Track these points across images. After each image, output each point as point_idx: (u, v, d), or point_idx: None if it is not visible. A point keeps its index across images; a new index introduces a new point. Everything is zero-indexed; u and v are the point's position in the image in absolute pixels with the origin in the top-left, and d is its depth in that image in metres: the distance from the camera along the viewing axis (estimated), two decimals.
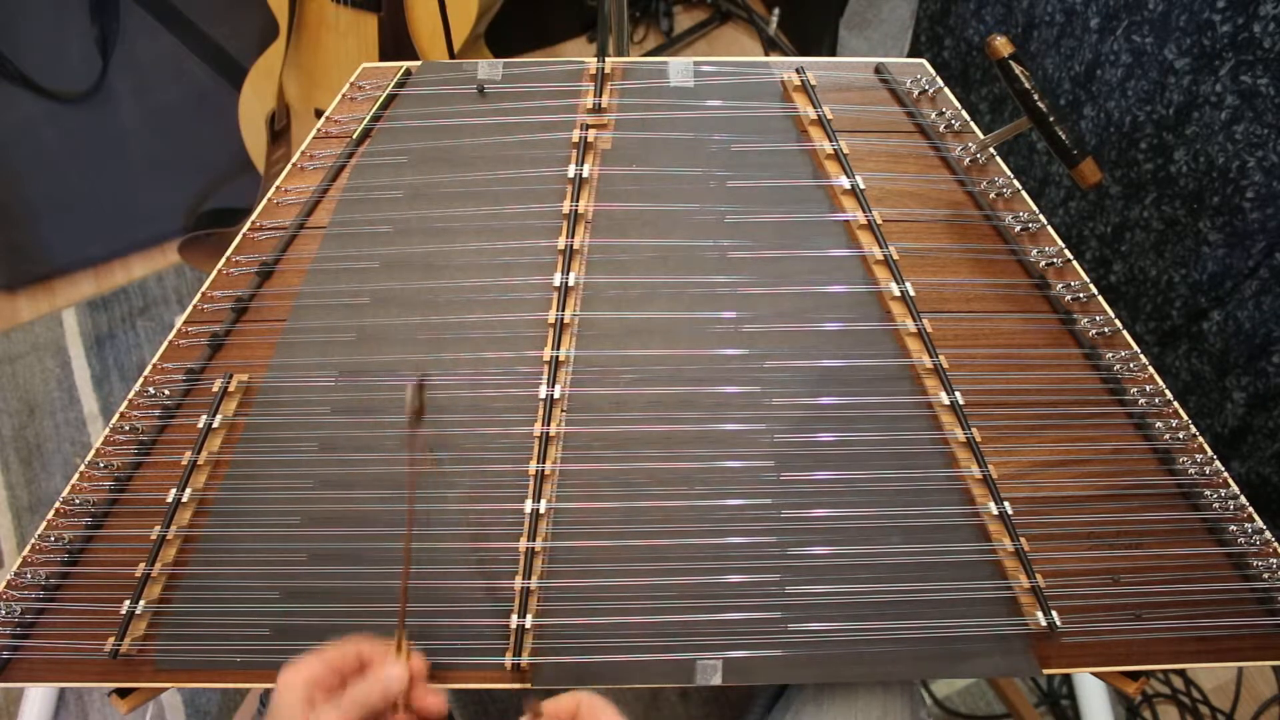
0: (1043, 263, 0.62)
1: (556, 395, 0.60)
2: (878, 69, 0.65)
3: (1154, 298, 1.06)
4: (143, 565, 0.58)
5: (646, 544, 0.58)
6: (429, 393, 0.44)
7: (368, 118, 0.65)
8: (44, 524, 0.59)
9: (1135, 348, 0.61)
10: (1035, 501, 0.59)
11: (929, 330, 0.60)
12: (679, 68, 0.66)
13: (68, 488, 0.60)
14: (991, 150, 0.63)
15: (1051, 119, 0.56)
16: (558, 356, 0.60)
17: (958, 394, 0.59)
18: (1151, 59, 0.94)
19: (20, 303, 1.56)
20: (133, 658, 0.57)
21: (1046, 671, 0.57)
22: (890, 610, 0.57)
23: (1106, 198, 1.08)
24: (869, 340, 0.61)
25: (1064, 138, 0.56)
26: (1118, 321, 0.61)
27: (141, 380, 0.61)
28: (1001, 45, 0.57)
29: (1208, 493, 0.59)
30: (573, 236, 0.62)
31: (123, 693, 0.59)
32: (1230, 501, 0.59)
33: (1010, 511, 0.58)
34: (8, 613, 0.58)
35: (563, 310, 0.61)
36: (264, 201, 0.64)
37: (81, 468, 0.60)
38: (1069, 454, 0.60)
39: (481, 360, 0.61)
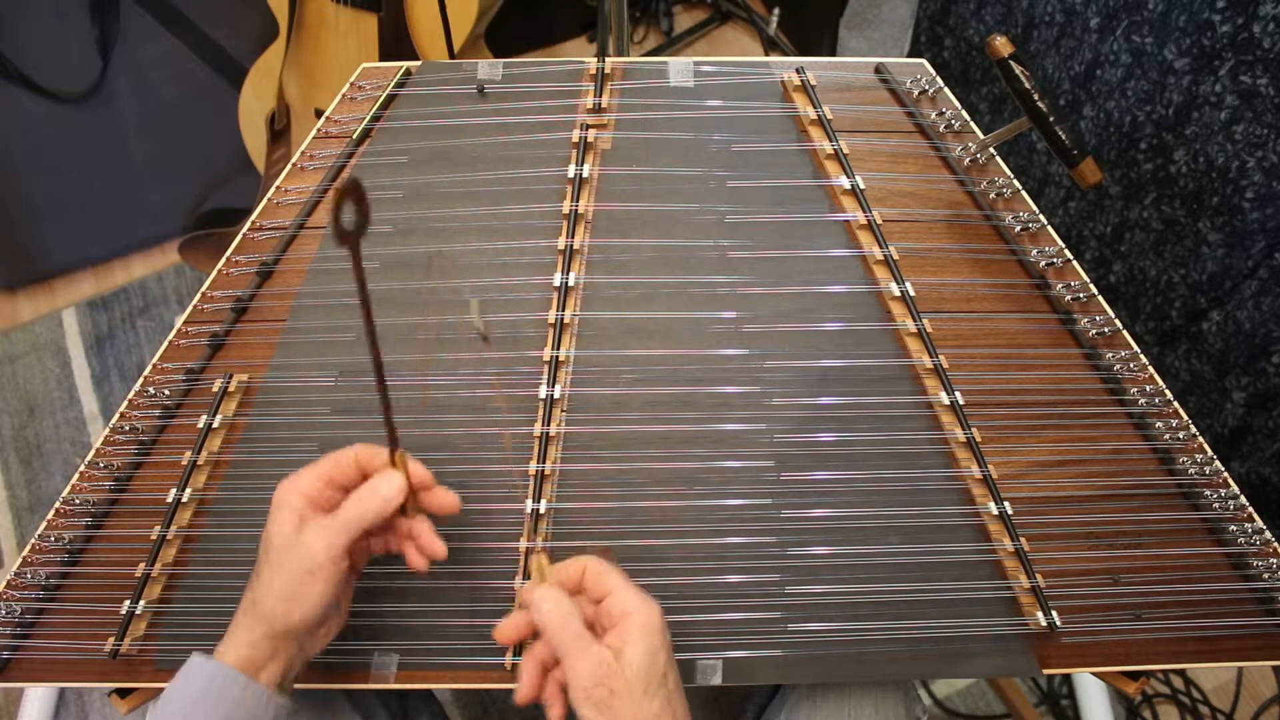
0: (1043, 263, 0.62)
1: (556, 395, 0.60)
2: (878, 69, 0.65)
3: (1154, 298, 1.06)
4: (143, 565, 0.58)
5: (646, 544, 0.58)
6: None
7: (368, 118, 0.65)
8: (44, 524, 0.59)
9: (1135, 348, 0.61)
10: (1035, 501, 0.59)
11: (929, 330, 0.60)
12: (679, 68, 0.66)
13: (68, 488, 0.60)
14: (991, 150, 0.63)
15: (1051, 119, 0.56)
16: (558, 356, 0.60)
17: (958, 394, 0.59)
18: (1151, 59, 0.94)
19: (20, 303, 1.56)
20: (133, 658, 0.57)
21: (1046, 671, 0.57)
22: (890, 610, 0.57)
23: (1106, 198, 1.08)
24: (869, 340, 0.61)
25: (1064, 138, 0.56)
26: (1118, 321, 0.61)
27: (141, 380, 0.61)
28: (1001, 45, 0.57)
29: (1208, 493, 0.59)
30: (573, 236, 0.62)
31: (123, 693, 0.59)
32: (1230, 501, 0.59)
33: (1010, 511, 0.58)
34: (8, 613, 0.58)
35: (563, 310, 0.61)
36: (264, 201, 0.64)
37: (81, 468, 0.60)
38: (1069, 454, 0.60)
39: (481, 360, 0.61)
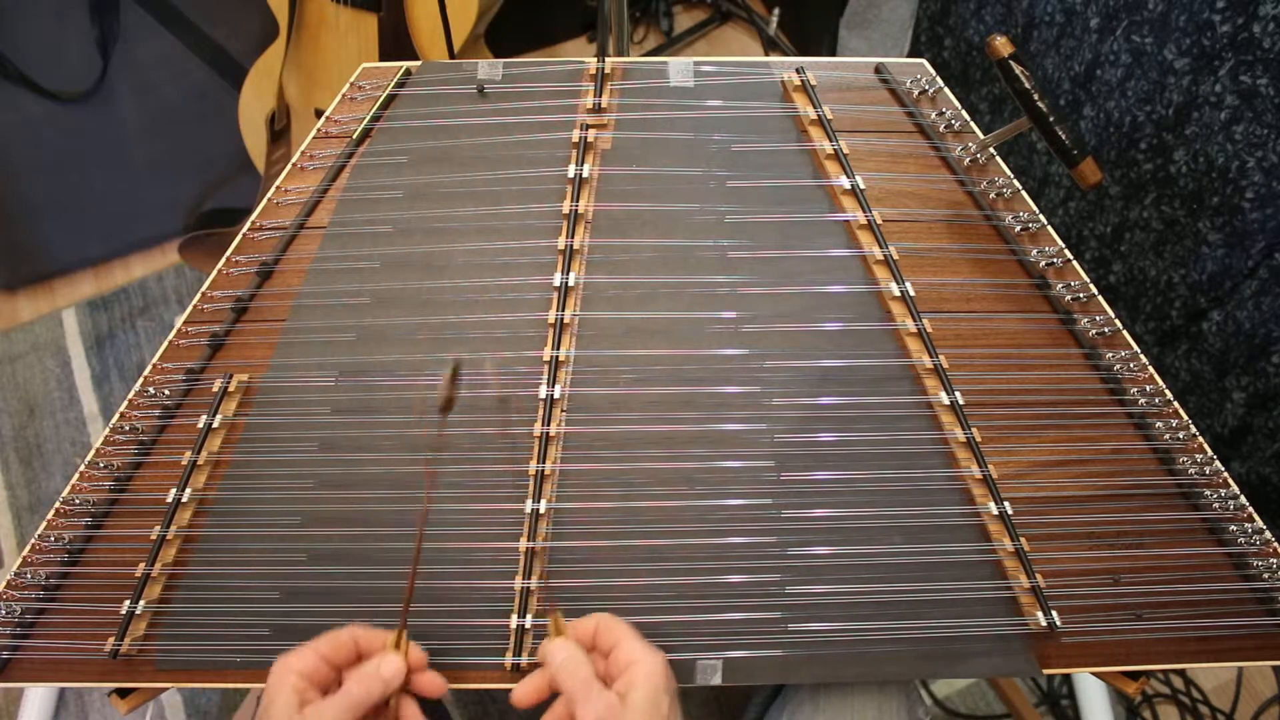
0: (1043, 263, 0.62)
1: (556, 395, 0.60)
2: (878, 69, 0.65)
3: (1154, 298, 1.06)
4: (143, 565, 0.58)
5: (646, 544, 0.58)
6: (460, 382, 0.42)
7: (368, 118, 0.65)
8: (44, 524, 0.59)
9: (1135, 348, 0.61)
10: (1035, 501, 0.59)
11: (929, 330, 0.60)
12: (679, 68, 0.66)
13: (68, 488, 0.60)
14: (991, 150, 0.63)
15: (1051, 119, 0.56)
16: (558, 356, 0.60)
17: (958, 394, 0.59)
18: (1151, 59, 0.94)
19: (20, 303, 1.56)
20: (133, 658, 0.57)
21: (1046, 671, 0.57)
22: (890, 610, 0.57)
23: (1106, 198, 1.08)
24: (869, 340, 0.61)
25: (1064, 138, 0.56)
26: (1118, 321, 0.61)
27: (141, 380, 0.61)
28: (1001, 45, 0.57)
29: (1208, 493, 0.59)
30: (573, 236, 0.62)
31: (123, 693, 0.59)
32: (1230, 501, 0.59)
33: (1010, 511, 0.58)
34: (8, 613, 0.58)
35: (563, 310, 0.61)
36: (264, 201, 0.64)
37: (81, 468, 0.60)
38: (1069, 454, 0.60)
39: (482, 360, 0.61)
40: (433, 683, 0.52)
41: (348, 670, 0.50)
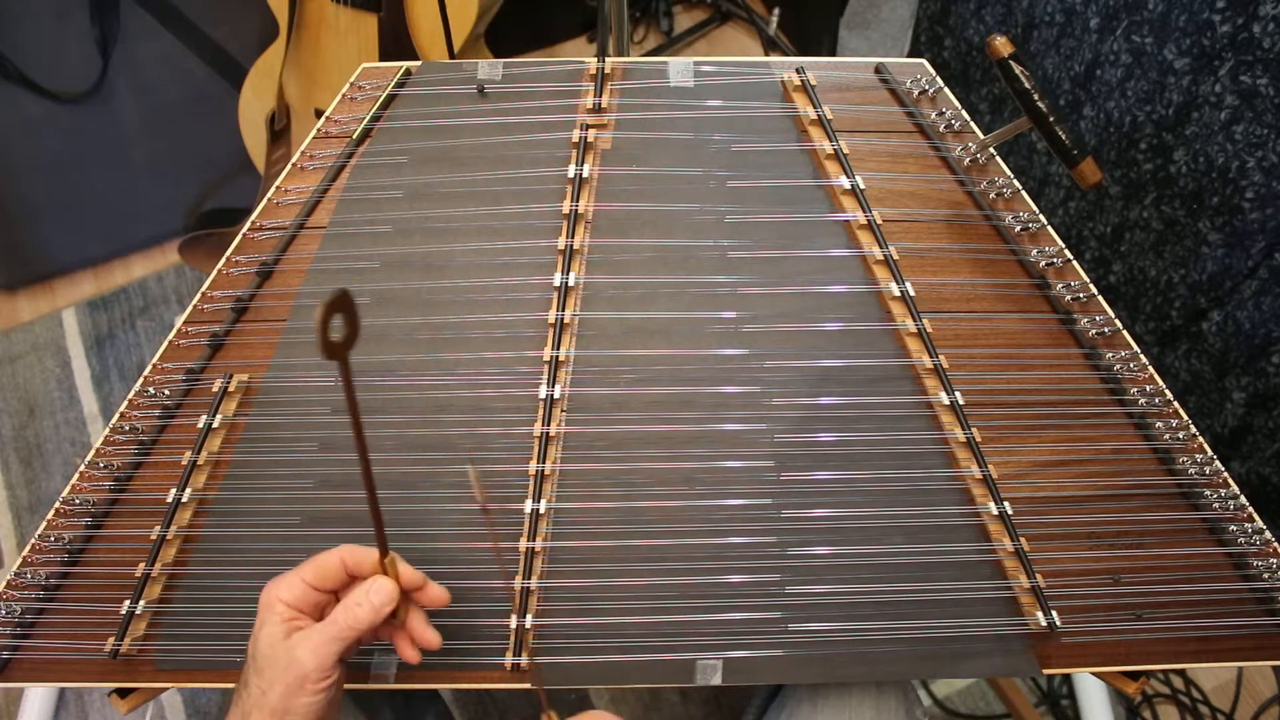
0: (1043, 263, 0.62)
1: (556, 395, 0.60)
2: (878, 69, 0.65)
3: (1154, 298, 1.06)
4: (143, 565, 0.58)
5: (646, 544, 0.58)
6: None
7: (368, 118, 0.65)
8: (44, 524, 0.59)
9: (1135, 348, 0.61)
10: (1035, 501, 0.59)
11: (929, 330, 0.60)
12: (679, 68, 0.66)
13: (68, 488, 0.60)
14: (991, 150, 0.63)
15: (1051, 119, 0.56)
16: (558, 356, 0.60)
17: (958, 394, 0.59)
18: (1151, 59, 0.94)
19: (20, 303, 1.56)
20: (133, 658, 0.57)
21: (1046, 671, 0.57)
22: (890, 610, 0.57)
23: (1106, 198, 1.08)
24: (869, 340, 0.61)
25: (1064, 138, 0.56)
26: (1118, 321, 0.61)
27: (141, 380, 0.61)
28: (1001, 45, 0.57)
29: (1208, 493, 0.59)
30: (573, 236, 0.62)
31: (123, 693, 0.59)
32: (1230, 501, 0.59)
33: (1010, 511, 0.58)
34: (8, 613, 0.58)
35: (563, 310, 0.61)
36: (264, 201, 0.64)
37: (81, 468, 0.60)
38: (1069, 454, 0.60)
39: (481, 360, 0.61)
40: (436, 596, 0.50)
41: (343, 591, 0.48)
